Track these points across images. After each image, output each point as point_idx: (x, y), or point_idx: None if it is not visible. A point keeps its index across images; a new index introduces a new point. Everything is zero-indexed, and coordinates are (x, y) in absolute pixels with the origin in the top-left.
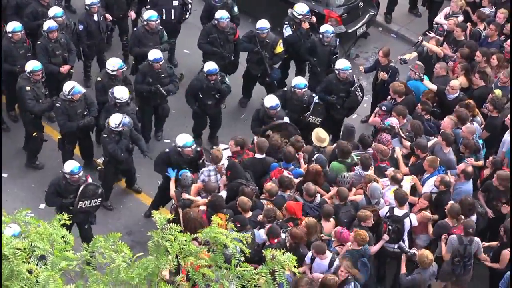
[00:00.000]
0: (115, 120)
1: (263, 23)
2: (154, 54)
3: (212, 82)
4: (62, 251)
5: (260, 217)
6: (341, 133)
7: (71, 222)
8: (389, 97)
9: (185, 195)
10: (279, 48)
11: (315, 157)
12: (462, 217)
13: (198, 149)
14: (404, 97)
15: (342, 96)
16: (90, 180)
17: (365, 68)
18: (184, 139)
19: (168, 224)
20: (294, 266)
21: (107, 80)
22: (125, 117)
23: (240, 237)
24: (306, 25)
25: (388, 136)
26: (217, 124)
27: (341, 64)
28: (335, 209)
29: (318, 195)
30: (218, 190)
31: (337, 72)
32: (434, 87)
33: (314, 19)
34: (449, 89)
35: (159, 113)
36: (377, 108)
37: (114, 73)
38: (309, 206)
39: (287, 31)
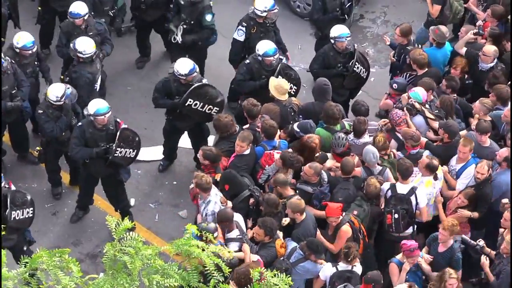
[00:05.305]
0: (57, 91)
1: None
2: (75, 7)
3: None
4: None
5: None
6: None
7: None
8: (405, 71)
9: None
10: None
11: (296, 125)
12: None
13: (118, 120)
14: (426, 69)
15: (342, 71)
16: (13, 187)
17: (391, 42)
18: (96, 105)
19: (128, 234)
20: None
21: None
22: (68, 88)
23: (219, 251)
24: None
25: (400, 112)
26: None
27: (337, 30)
28: (334, 182)
29: (324, 173)
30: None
31: (332, 41)
32: (462, 49)
33: None
34: (481, 56)
35: None
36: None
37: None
38: (321, 192)
39: (239, 35)
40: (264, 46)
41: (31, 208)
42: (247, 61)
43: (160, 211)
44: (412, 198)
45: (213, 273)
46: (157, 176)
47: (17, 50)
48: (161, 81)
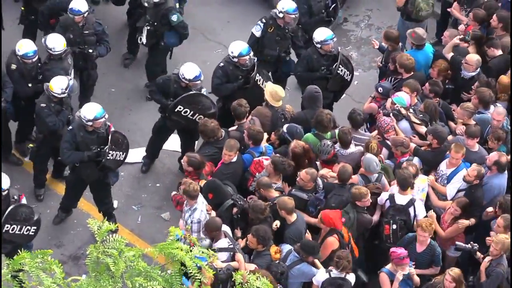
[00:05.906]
0: (61, 83)
1: None
2: (76, 4)
3: None
4: None
5: None
6: (302, 97)
7: None
8: (390, 75)
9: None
10: None
11: (285, 127)
12: None
13: (109, 123)
14: (412, 73)
15: (326, 74)
16: (24, 201)
17: (380, 46)
18: (94, 110)
19: (111, 236)
20: None
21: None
22: (71, 79)
23: (204, 254)
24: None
25: (388, 119)
26: None
27: (321, 34)
28: (329, 188)
29: (319, 179)
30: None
31: (319, 46)
32: (449, 54)
33: None
34: (464, 64)
35: (83, 81)
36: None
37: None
38: (316, 198)
39: (256, 29)
40: (238, 47)
41: (34, 227)
42: (221, 64)
43: (143, 213)
44: (411, 209)
45: (196, 275)
46: (140, 178)
47: (18, 57)
48: (162, 77)
